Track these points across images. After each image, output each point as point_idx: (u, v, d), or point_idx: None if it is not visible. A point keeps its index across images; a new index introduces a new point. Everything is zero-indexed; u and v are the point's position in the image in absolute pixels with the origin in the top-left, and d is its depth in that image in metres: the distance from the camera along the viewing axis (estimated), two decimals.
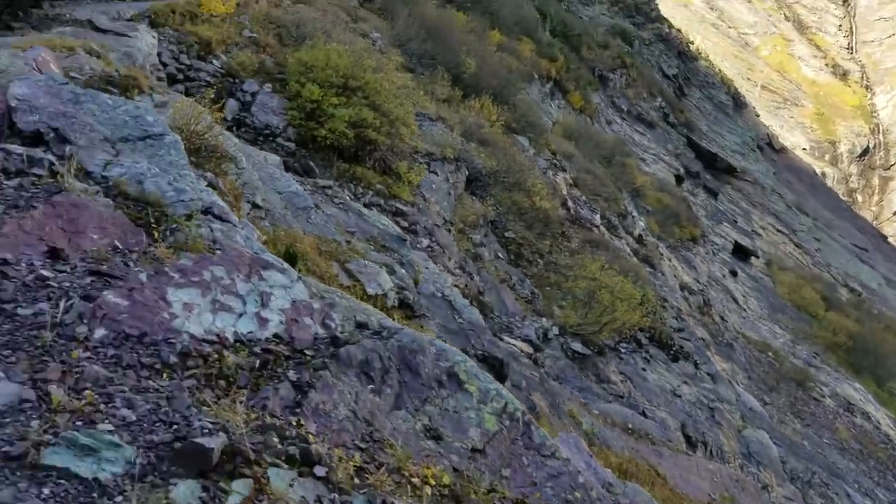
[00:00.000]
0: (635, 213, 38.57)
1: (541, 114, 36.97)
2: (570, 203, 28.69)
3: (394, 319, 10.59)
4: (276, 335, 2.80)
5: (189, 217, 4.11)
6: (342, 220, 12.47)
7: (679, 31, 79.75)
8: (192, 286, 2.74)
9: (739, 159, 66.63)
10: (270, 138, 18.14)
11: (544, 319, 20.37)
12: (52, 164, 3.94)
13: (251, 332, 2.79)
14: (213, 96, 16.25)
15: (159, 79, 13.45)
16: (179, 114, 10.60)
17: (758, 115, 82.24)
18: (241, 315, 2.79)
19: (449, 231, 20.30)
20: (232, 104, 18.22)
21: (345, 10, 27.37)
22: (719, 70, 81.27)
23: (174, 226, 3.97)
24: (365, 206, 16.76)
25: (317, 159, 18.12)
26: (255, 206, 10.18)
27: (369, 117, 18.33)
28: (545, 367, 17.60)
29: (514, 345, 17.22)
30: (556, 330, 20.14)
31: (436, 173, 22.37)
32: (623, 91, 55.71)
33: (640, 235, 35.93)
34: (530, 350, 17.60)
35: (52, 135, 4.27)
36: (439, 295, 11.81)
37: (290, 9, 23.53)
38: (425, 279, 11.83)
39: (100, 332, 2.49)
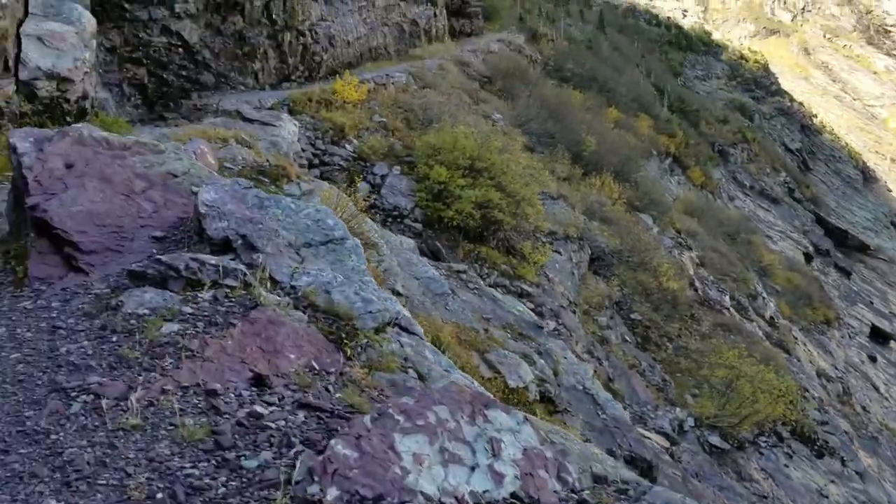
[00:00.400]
0: (765, 294, 36.63)
1: (663, 191, 36.16)
2: (697, 283, 27.51)
3: (537, 415, 10.10)
4: (513, 494, 2.46)
5: (377, 330, 3.93)
6: (477, 305, 12.19)
7: (801, 104, 77.22)
8: (419, 431, 2.45)
9: (872, 236, 62.76)
10: (399, 219, 18.28)
11: (678, 409, 19.22)
12: (244, 274, 3.85)
13: (487, 492, 2.47)
14: (355, 181, 16.64)
15: (301, 165, 13.83)
16: (326, 202, 10.75)
17: (889, 190, 77.68)
18: (473, 469, 2.47)
19: (574, 313, 19.68)
20: (363, 187, 18.54)
21: (467, 93, 27.90)
22: (845, 143, 77.75)
23: (365, 341, 3.78)
24: (490, 286, 16.50)
25: (443, 240, 18.09)
26: (396, 293, 10.06)
27: (495, 198, 18.23)
28: (683, 463, 16.49)
29: (648, 437, 16.25)
30: (691, 421, 18.95)
31: (559, 253, 21.91)
32: (745, 166, 53.96)
33: (771, 318, 33.99)
34: (666, 444, 16.58)
35: (240, 242, 4.21)
36: (580, 388, 11.24)
37: (416, 94, 24.14)
38: (565, 370, 11.30)
39: (333, 493, 2.22)
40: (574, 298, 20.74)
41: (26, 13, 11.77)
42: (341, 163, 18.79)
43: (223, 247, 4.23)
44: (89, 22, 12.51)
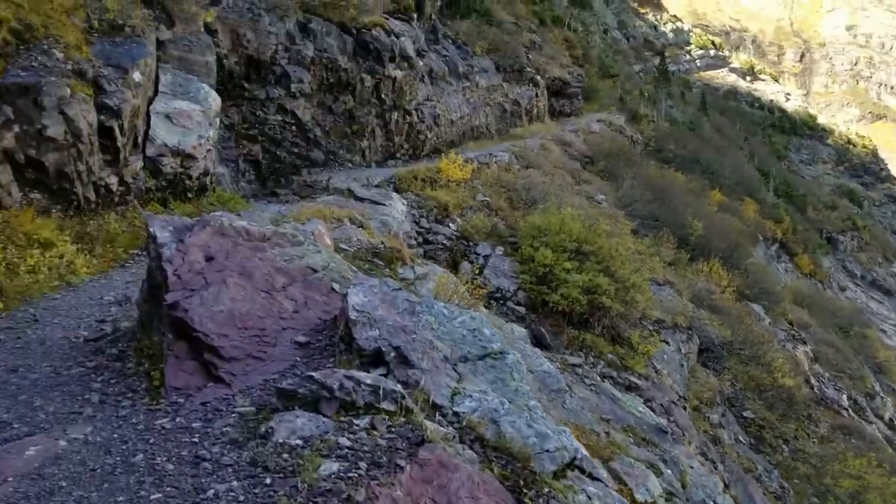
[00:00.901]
0: (882, 394, 33.99)
1: (775, 280, 34.45)
2: (813, 381, 25.66)
3: None
4: None
5: (558, 475, 3.35)
6: (595, 404, 11.37)
7: None
8: None
9: None
10: (501, 302, 17.75)
11: None
12: (402, 396, 3.35)
13: None
14: (458, 261, 16.28)
15: (410, 246, 13.54)
16: (442, 288, 10.32)
17: None
18: None
19: (685, 409, 18.46)
20: (466, 267, 18.16)
21: (570, 173, 27.48)
22: None
23: (546, 490, 3.19)
24: (598, 377, 15.65)
25: (547, 325, 17.41)
26: None
27: (603, 284, 17.51)
28: None
29: None
30: None
31: (667, 342, 20.81)
32: (855, 255, 51.23)
33: (891, 420, 31.38)
34: None
35: (392, 354, 3.74)
36: (711, 503, 10.18)
37: (519, 173, 23.86)
38: (693, 482, 10.28)
39: None
40: (683, 392, 19.55)
41: (156, 92, 12.09)
42: (445, 242, 18.52)
43: (374, 358, 3.77)
44: (214, 101, 12.78)
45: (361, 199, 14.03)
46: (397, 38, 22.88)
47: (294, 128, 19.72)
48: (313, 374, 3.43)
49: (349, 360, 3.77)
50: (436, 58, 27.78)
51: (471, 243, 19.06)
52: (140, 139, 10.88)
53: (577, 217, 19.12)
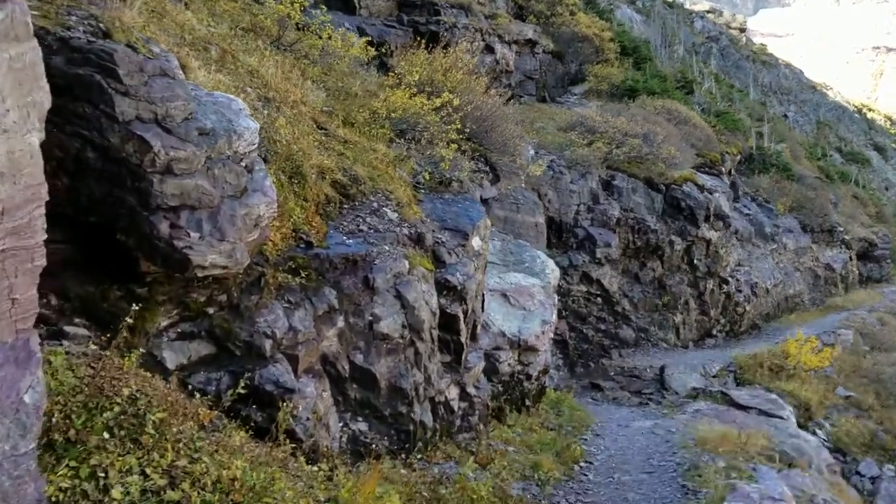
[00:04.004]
0: None
1: None
2: None
3: None
4: None
5: None
6: None
7: None
8: None
9: None
10: None
11: None
12: None
13: None
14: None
15: (835, 482, 9.15)
16: None
17: None
18: None
19: None
20: (851, 495, 13.02)
21: None
22: None
23: None
24: None
25: None
26: None
27: None
28: None
29: None
30: None
31: None
32: None
33: None
34: None
35: None
36: None
37: (876, 357, 18.51)
38: None
39: None
40: None
41: (485, 262, 9.21)
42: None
43: None
44: (553, 273, 9.68)
45: (743, 407, 9.95)
46: (710, 193, 19.30)
47: (599, 300, 16.38)
48: None
49: None
50: (739, 217, 23.72)
51: (847, 458, 13.99)
52: (478, 328, 7.80)
53: None
